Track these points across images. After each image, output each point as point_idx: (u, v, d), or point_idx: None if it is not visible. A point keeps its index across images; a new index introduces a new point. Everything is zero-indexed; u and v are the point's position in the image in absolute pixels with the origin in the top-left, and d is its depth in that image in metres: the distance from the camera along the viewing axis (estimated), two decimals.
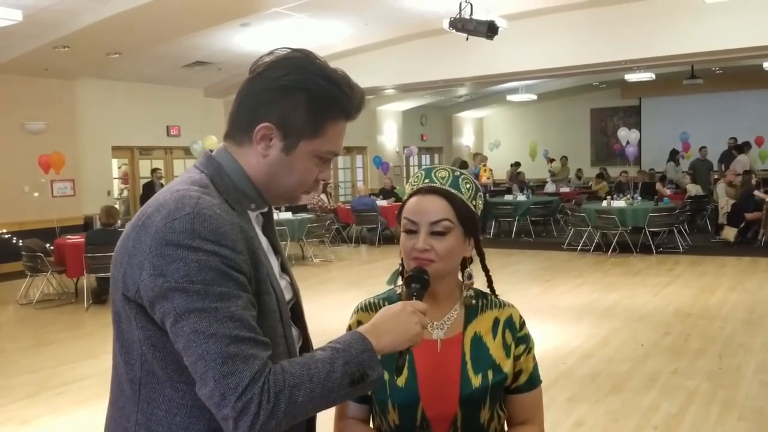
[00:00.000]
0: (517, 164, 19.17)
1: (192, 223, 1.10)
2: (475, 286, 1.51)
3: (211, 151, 1.28)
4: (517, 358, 1.46)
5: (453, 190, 1.42)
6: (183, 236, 1.09)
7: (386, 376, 1.37)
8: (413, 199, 1.43)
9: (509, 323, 1.48)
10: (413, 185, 1.47)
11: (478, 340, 1.45)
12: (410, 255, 1.40)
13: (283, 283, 1.31)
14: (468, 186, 1.45)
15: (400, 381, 1.40)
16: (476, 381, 1.41)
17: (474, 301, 1.49)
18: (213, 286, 1.08)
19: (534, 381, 1.49)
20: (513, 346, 1.46)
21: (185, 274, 1.08)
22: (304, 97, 1.21)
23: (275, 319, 1.22)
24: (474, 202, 1.45)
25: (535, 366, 1.51)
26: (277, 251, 1.36)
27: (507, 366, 1.44)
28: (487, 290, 1.55)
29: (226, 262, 1.11)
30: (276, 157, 1.23)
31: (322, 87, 1.21)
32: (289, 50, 1.25)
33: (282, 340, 1.23)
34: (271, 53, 1.25)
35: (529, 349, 1.49)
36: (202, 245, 1.09)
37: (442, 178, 1.44)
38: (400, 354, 1.25)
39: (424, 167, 1.54)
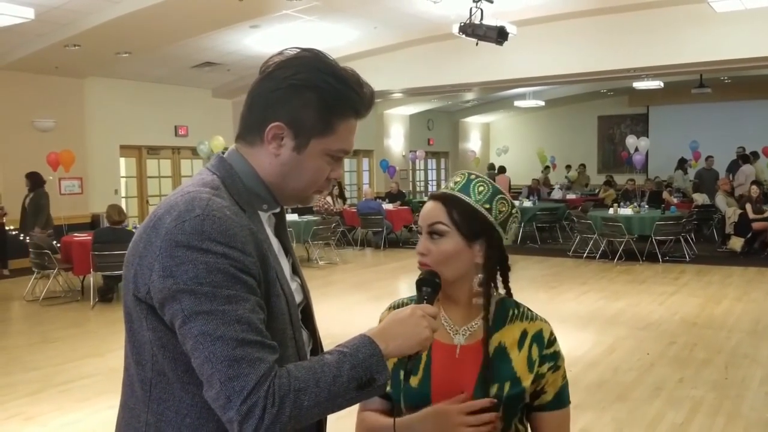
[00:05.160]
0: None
1: (202, 225, 1.10)
2: (501, 293, 1.49)
3: (223, 152, 1.29)
4: (540, 375, 1.41)
5: (459, 195, 1.41)
6: (193, 238, 1.09)
7: (401, 376, 1.38)
8: (424, 205, 1.48)
9: (537, 338, 1.44)
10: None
11: (501, 351, 1.41)
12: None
13: (294, 285, 1.31)
14: (481, 189, 1.42)
15: (414, 382, 1.40)
16: (491, 390, 1.38)
17: (495, 310, 1.44)
18: (221, 289, 1.08)
19: (562, 400, 1.45)
20: (537, 363, 1.41)
21: (194, 275, 1.08)
22: (314, 95, 1.21)
23: (285, 321, 1.22)
24: (488, 206, 1.41)
25: (565, 385, 1.45)
26: (288, 253, 1.35)
27: (527, 381, 1.40)
28: (509, 297, 1.51)
29: (235, 265, 1.11)
30: (288, 156, 1.23)
31: (332, 85, 1.22)
32: (298, 50, 1.26)
33: (291, 342, 1.23)
34: (280, 53, 1.25)
35: (557, 367, 1.43)
36: (211, 247, 1.09)
37: (456, 183, 1.45)
38: (409, 358, 1.25)
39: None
